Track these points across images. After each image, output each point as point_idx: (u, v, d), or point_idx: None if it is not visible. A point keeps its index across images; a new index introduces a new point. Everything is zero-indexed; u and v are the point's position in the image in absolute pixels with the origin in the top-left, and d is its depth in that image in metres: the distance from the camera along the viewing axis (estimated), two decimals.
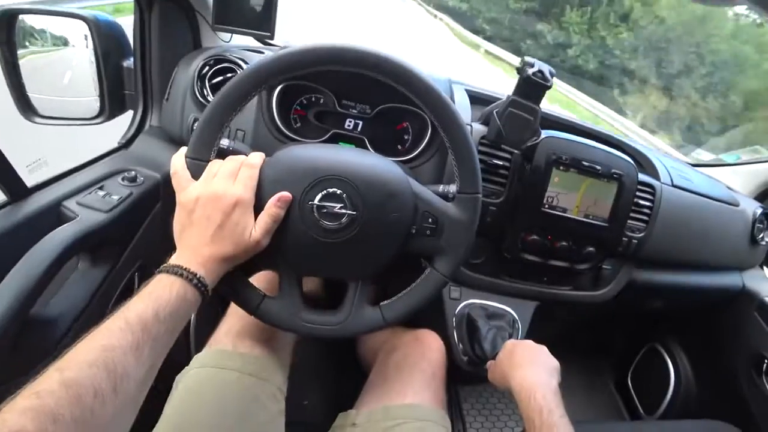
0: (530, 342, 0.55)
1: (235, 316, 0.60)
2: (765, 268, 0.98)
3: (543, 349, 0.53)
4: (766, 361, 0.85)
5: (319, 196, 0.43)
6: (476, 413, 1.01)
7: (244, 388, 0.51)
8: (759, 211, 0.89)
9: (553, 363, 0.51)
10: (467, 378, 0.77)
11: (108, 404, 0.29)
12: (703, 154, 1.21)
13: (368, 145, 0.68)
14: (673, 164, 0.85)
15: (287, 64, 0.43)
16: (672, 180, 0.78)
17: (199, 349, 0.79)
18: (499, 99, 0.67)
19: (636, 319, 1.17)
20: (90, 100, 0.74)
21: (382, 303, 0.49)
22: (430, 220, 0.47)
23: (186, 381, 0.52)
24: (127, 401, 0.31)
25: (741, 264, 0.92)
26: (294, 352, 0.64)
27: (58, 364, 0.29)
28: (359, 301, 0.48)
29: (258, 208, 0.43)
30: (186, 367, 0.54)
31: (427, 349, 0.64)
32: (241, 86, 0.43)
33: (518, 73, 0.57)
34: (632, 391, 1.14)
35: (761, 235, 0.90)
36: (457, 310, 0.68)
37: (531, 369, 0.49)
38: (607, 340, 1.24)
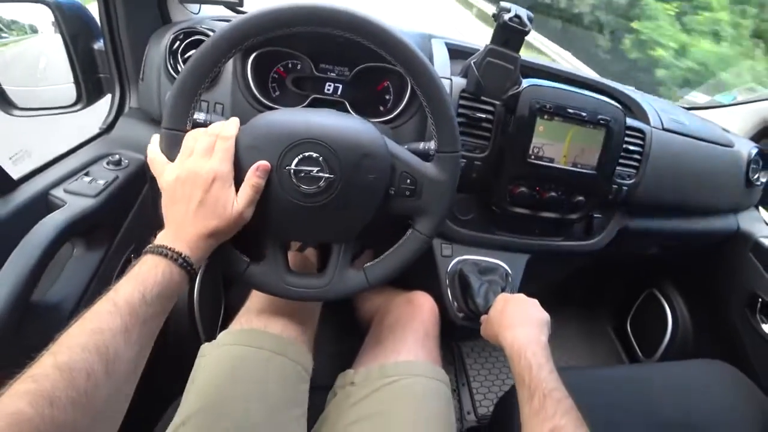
0: (520, 296, 0.56)
1: (263, 296, 0.60)
2: (760, 208, 0.98)
3: (533, 303, 0.54)
4: (760, 300, 0.86)
5: (295, 161, 0.43)
6: (479, 367, 1.05)
7: (276, 367, 0.53)
8: (754, 151, 0.88)
9: (543, 317, 0.52)
10: (467, 334, 0.79)
11: (101, 386, 0.29)
12: (698, 97, 1.18)
13: (349, 108, 0.66)
14: (665, 107, 0.83)
15: (256, 25, 0.41)
16: (663, 123, 0.76)
17: (205, 325, 0.83)
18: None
19: (633, 266, 1.18)
20: (67, 87, 0.72)
21: (365, 265, 0.50)
22: (408, 180, 0.47)
23: (218, 356, 0.53)
24: (119, 383, 0.31)
25: (736, 206, 0.92)
26: (317, 334, 0.66)
27: (52, 349, 0.29)
28: (343, 263, 0.49)
29: (237, 177, 0.43)
30: (214, 341, 0.55)
31: (419, 310, 0.66)
32: (207, 54, 0.42)
33: (494, 19, 0.55)
34: (631, 336, 1.17)
35: (756, 176, 0.89)
36: (449, 268, 0.68)
37: (521, 327, 0.49)
38: (604, 289, 1.26)
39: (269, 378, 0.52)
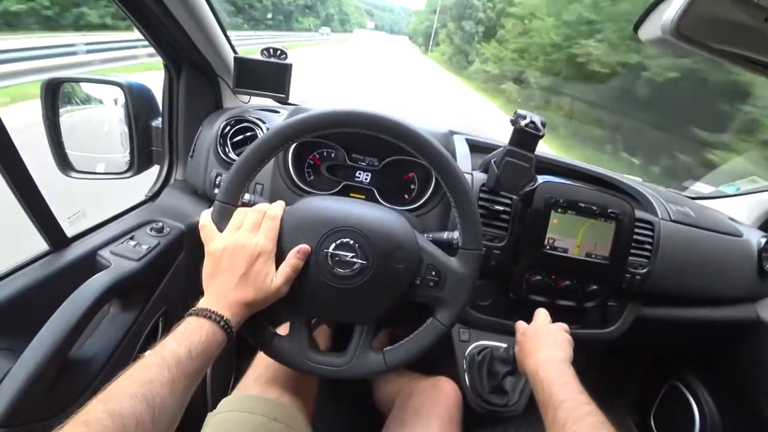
0: (539, 324, 0.56)
1: (263, 364, 0.62)
2: None
3: (550, 329, 0.55)
4: None
5: (333, 245, 0.47)
6: None
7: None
8: (763, 240, 0.89)
9: (562, 337, 0.53)
10: (489, 421, 0.76)
11: None
12: (702, 187, 1.23)
13: (377, 196, 0.72)
14: (671, 199, 0.87)
15: (311, 125, 0.48)
16: (670, 215, 0.80)
17: (214, 391, 0.81)
18: (497, 146, 0.71)
19: (652, 357, 1.14)
20: (118, 156, 0.80)
21: (385, 348, 0.51)
22: (433, 272, 0.50)
23: (216, 423, 0.54)
24: (162, 431, 0.33)
25: (753, 295, 0.91)
26: (315, 401, 0.66)
27: (102, 397, 0.31)
28: (364, 344, 0.51)
29: (279, 255, 0.46)
30: (214, 410, 0.56)
31: (444, 395, 0.65)
32: (269, 142, 0.48)
33: (512, 125, 0.61)
34: (655, 431, 1.09)
35: None
36: (467, 352, 0.69)
37: (536, 352, 0.52)
38: (624, 379, 1.21)
39: None
